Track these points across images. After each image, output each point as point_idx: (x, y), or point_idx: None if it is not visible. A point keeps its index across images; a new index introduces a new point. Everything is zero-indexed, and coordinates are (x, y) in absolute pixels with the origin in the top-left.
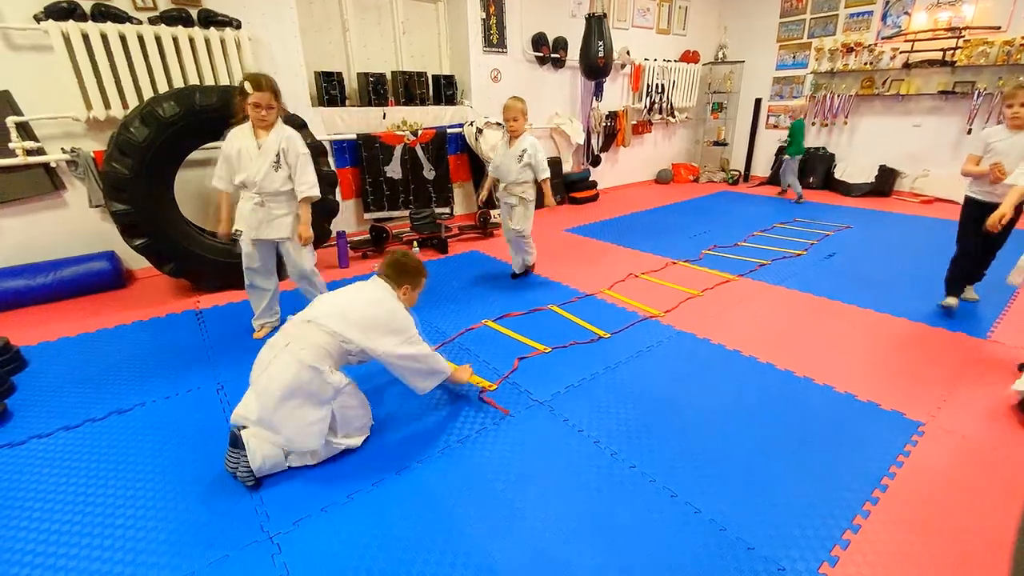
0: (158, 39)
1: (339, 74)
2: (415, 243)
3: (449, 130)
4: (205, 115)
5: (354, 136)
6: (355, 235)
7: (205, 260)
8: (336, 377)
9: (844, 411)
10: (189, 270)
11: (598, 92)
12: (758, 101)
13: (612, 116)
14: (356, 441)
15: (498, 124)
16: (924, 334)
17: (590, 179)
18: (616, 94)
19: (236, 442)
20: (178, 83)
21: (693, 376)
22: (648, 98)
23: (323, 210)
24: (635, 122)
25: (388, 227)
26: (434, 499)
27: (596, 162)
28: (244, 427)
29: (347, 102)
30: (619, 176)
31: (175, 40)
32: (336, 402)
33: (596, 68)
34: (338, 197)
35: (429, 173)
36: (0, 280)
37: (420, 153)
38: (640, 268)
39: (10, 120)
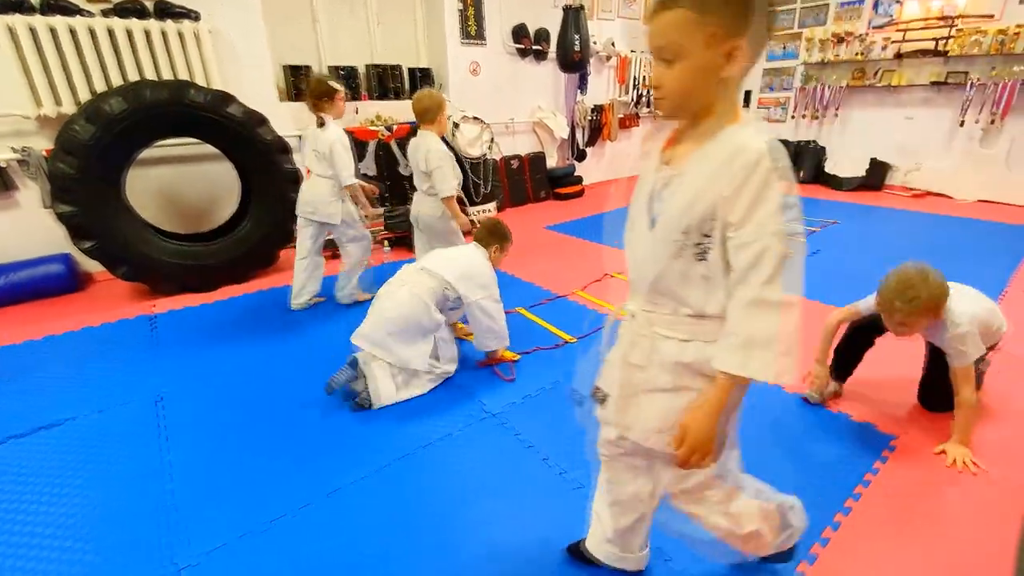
0: (111, 32)
1: (308, 68)
2: (386, 243)
3: None
4: (156, 111)
5: None
6: None
7: (161, 263)
8: (438, 315)
9: (819, 419)
10: (144, 273)
11: (583, 85)
12: (748, 93)
13: (598, 110)
14: (450, 368)
15: (475, 118)
16: None
17: (575, 174)
18: (602, 87)
19: (353, 363)
20: (133, 78)
21: None
22: (635, 91)
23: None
24: (622, 115)
25: None
26: (364, 525)
27: (581, 157)
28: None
29: None
30: (606, 171)
31: (129, 33)
32: (437, 334)
33: (572, 62)
34: None
35: (404, 169)
36: None
37: (395, 149)
38: (618, 267)
39: None
